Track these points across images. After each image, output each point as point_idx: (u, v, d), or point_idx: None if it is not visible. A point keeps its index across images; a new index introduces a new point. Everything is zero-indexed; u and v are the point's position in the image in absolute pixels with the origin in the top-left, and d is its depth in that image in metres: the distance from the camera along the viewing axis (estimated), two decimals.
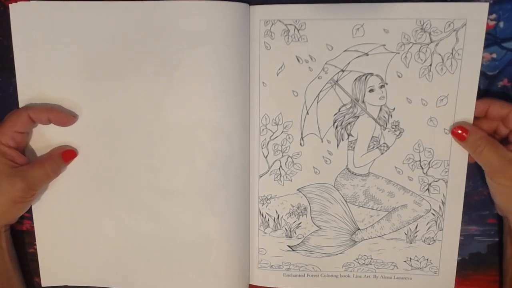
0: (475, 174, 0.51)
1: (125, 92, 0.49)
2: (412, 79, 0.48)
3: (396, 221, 0.52)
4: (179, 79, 0.48)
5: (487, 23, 0.46)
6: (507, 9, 0.47)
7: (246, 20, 0.48)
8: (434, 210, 0.51)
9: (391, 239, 0.52)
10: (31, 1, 0.47)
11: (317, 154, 0.51)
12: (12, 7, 0.47)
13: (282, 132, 0.50)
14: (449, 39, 0.47)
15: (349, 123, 0.50)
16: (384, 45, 0.47)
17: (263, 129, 0.50)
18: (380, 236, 0.53)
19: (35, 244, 0.53)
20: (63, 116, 0.48)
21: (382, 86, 0.48)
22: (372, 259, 0.53)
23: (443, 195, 0.51)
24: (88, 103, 0.49)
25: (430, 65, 0.47)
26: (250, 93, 0.50)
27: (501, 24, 0.47)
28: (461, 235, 0.52)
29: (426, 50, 0.47)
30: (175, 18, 0.47)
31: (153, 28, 0.47)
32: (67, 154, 0.50)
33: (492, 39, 0.48)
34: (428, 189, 0.51)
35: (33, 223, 0.52)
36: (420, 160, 0.50)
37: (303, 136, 0.50)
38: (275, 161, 0.51)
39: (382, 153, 0.50)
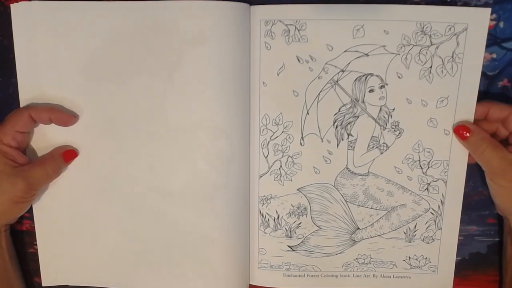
0: (475, 174, 0.51)
1: (126, 92, 0.49)
2: (412, 80, 0.48)
3: (395, 220, 0.52)
4: (180, 79, 0.48)
5: None
6: (507, 9, 0.47)
7: (247, 20, 0.48)
8: (433, 209, 0.51)
9: (390, 238, 0.53)
10: (32, 1, 0.47)
11: (317, 154, 0.51)
12: (13, 7, 0.47)
13: (283, 132, 0.50)
14: (449, 42, 0.47)
15: (349, 123, 0.50)
16: (384, 46, 0.47)
17: (263, 129, 0.50)
18: (379, 235, 0.53)
19: (35, 244, 0.53)
20: (64, 116, 0.48)
21: (382, 87, 0.49)
22: (371, 258, 0.53)
23: (442, 195, 0.51)
24: (89, 103, 0.49)
25: (431, 67, 0.47)
26: (250, 93, 0.50)
27: (501, 24, 0.47)
28: (461, 235, 0.52)
29: (426, 53, 0.47)
30: (175, 18, 0.47)
31: (153, 28, 0.47)
32: (68, 154, 0.49)
33: (492, 39, 0.48)
34: (427, 188, 0.51)
35: (33, 223, 0.52)
36: (419, 160, 0.50)
37: (303, 136, 0.50)
38: (275, 161, 0.51)
39: (381, 153, 0.50)
